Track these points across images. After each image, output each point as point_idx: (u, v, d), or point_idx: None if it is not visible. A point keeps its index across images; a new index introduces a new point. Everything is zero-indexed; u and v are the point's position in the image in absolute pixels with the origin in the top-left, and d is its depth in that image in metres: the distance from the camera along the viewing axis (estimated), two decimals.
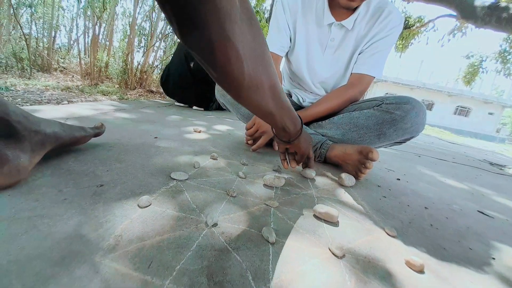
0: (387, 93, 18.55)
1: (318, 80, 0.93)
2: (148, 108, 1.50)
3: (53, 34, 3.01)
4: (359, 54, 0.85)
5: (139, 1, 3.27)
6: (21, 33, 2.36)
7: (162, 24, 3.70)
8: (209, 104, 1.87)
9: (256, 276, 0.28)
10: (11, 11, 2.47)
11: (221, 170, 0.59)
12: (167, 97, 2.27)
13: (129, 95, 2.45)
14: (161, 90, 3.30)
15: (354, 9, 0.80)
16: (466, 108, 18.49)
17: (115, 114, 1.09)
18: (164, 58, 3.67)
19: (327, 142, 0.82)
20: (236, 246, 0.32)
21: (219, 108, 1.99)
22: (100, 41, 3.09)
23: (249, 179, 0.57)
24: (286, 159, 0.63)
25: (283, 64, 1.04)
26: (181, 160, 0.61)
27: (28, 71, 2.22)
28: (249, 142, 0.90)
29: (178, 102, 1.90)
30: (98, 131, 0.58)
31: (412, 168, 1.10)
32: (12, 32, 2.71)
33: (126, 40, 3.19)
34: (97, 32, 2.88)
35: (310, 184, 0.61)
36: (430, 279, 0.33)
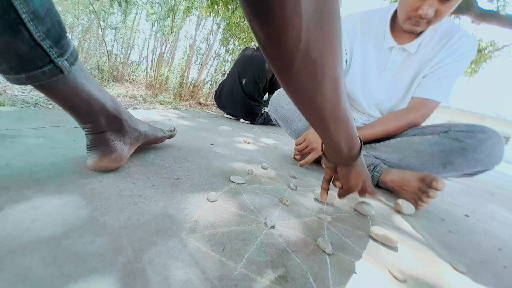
0: (449, 120, 16.42)
1: (373, 102, 0.91)
2: (203, 118, 1.66)
3: (128, 52, 3.63)
4: (423, 78, 0.81)
5: (200, 26, 3.72)
6: (105, 50, 2.91)
7: (216, 45, 4.12)
8: (255, 118, 1.97)
9: (316, 279, 0.29)
10: (99, 31, 3.08)
11: (272, 180, 0.63)
12: (217, 108, 2.47)
13: (181, 106, 2.74)
14: (208, 103, 3.61)
15: (419, 33, 0.78)
16: None
17: (178, 121, 1.25)
18: (215, 75, 4.05)
19: (381, 165, 0.79)
20: (294, 249, 0.34)
21: (264, 122, 2.08)
22: (164, 58, 3.58)
23: (299, 191, 0.59)
24: (327, 188, 0.48)
25: None
26: (236, 166, 0.67)
27: (106, 80, 2.71)
28: (297, 157, 0.92)
29: (227, 114, 2.05)
30: (172, 133, 0.68)
31: (483, 206, 0.95)
32: (98, 48, 3.37)
33: (185, 58, 3.63)
34: (163, 51, 3.35)
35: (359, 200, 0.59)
36: None
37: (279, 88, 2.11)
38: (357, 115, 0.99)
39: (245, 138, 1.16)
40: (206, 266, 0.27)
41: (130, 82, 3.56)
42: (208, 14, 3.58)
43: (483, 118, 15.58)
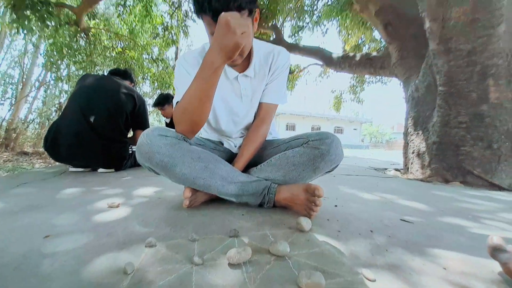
0: (288, 123, 22.27)
1: (240, 128, 0.98)
2: (27, 185, 1.07)
3: None
4: (266, 85, 0.95)
5: (4, 46, 2.59)
6: None
7: (38, 70, 3.02)
8: (122, 162, 1.55)
9: None
10: None
11: (167, 262, 0.45)
12: (56, 162, 1.73)
13: None
14: (40, 150, 2.53)
15: (249, 60, 0.89)
16: (340, 127, 24.89)
17: None
18: (44, 110, 2.92)
19: (272, 185, 0.82)
20: None
21: (136, 164, 1.69)
22: None
23: (208, 262, 0.46)
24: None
25: None
26: (101, 266, 0.43)
27: None
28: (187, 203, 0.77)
29: (75, 167, 1.47)
30: None
31: (337, 190, 1.25)
32: None
33: None
34: None
35: (271, 240, 0.56)
36: None
37: (145, 122, 1.79)
38: (232, 140, 1.01)
39: (110, 200, 0.84)
40: None
41: None
42: (15, 31, 2.50)
43: (304, 117, 22.68)
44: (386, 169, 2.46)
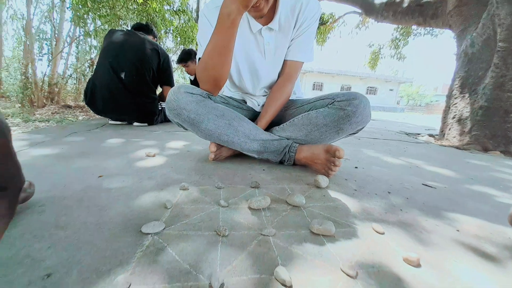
0: (315, 82, 20.78)
1: (261, 86, 0.96)
2: (75, 134, 1.23)
3: None
4: (291, 41, 0.89)
5: (33, 1, 2.64)
6: None
7: (68, 25, 3.08)
8: (153, 118, 1.66)
9: None
10: None
11: (198, 203, 0.52)
12: (96, 115, 1.91)
13: (38, 115, 1.96)
14: (81, 103, 2.76)
15: (274, 12, 0.82)
16: (374, 87, 22.50)
17: (30, 152, 0.84)
18: (79, 65, 3.08)
19: (293, 145, 0.84)
20: None
21: (165, 120, 1.80)
22: None
23: (232, 206, 0.52)
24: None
25: None
26: (146, 201, 0.51)
27: None
28: (212, 156, 0.84)
29: (113, 120, 1.62)
30: (25, 195, 0.43)
31: (360, 153, 1.24)
32: None
33: (22, 47, 2.56)
34: None
35: (289, 192, 0.60)
36: (427, 271, 0.36)
37: (170, 77, 1.83)
38: (255, 98, 1.00)
39: (147, 150, 0.95)
40: None
41: None
42: None
43: (334, 76, 20.77)
44: (419, 134, 2.31)
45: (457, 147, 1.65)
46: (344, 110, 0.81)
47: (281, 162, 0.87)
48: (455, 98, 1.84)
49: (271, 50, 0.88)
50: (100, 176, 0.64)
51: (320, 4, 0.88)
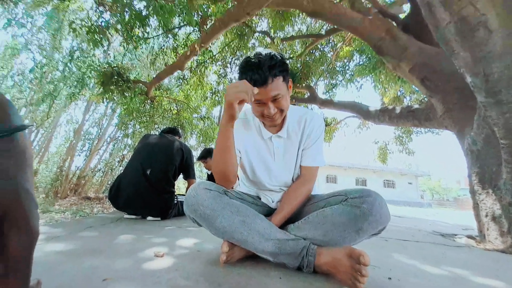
0: (328, 175, 20.95)
1: (276, 183, 1.01)
2: (90, 229, 1.23)
3: None
4: (302, 151, 0.99)
5: (90, 110, 3.34)
6: None
7: (111, 129, 3.70)
8: (167, 212, 1.67)
9: None
10: None
11: None
12: (113, 208, 1.97)
13: (57, 205, 2.03)
14: (100, 195, 2.88)
15: (283, 121, 0.97)
16: (391, 181, 21.90)
17: (45, 247, 0.84)
18: (110, 160, 3.46)
19: (312, 247, 0.77)
20: None
21: (178, 213, 1.80)
22: (33, 147, 2.82)
23: None
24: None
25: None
26: None
27: None
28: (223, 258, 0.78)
29: (129, 214, 1.65)
30: None
31: (390, 258, 1.09)
32: None
33: (67, 144, 3.02)
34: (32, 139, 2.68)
35: None
36: None
37: (193, 171, 1.99)
38: (270, 193, 1.03)
39: (156, 249, 0.91)
40: None
41: None
42: (101, 100, 3.30)
43: (346, 169, 21.07)
44: (455, 235, 2.03)
45: (502, 251, 1.42)
46: (359, 208, 0.80)
47: (299, 268, 0.77)
48: (479, 194, 1.75)
49: (280, 154, 0.99)
50: (104, 280, 0.60)
51: (322, 115, 1.07)
